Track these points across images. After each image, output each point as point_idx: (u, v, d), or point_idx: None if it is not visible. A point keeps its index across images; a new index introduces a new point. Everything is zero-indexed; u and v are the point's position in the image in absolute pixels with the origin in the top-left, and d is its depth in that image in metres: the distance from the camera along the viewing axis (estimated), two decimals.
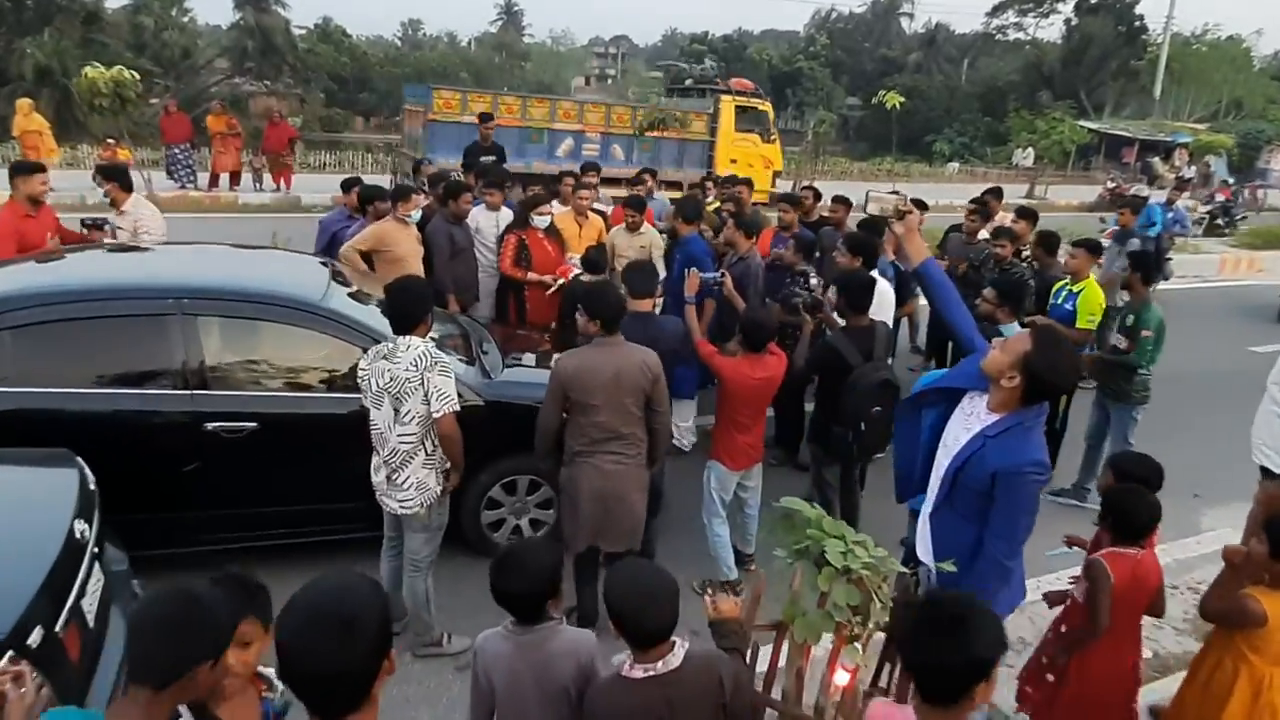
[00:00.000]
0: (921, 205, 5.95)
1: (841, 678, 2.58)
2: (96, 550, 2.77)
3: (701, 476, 4.23)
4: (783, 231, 6.53)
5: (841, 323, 4.49)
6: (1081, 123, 29.86)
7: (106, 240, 5.41)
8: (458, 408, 3.31)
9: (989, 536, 2.51)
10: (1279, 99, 39.07)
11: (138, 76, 14.14)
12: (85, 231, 5.48)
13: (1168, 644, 4.05)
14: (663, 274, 5.50)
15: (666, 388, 3.62)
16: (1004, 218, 7.71)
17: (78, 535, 2.65)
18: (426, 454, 3.35)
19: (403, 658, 3.55)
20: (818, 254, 6.00)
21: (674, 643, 2.04)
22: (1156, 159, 30.01)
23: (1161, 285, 9.78)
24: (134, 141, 16.70)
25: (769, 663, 2.77)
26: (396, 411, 3.27)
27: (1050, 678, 2.98)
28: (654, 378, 3.51)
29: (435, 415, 3.25)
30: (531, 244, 6.01)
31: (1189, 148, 28.11)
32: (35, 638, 2.23)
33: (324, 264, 4.91)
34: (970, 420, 2.59)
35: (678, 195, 10.63)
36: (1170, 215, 10.50)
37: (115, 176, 5.71)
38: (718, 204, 7.77)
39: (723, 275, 4.99)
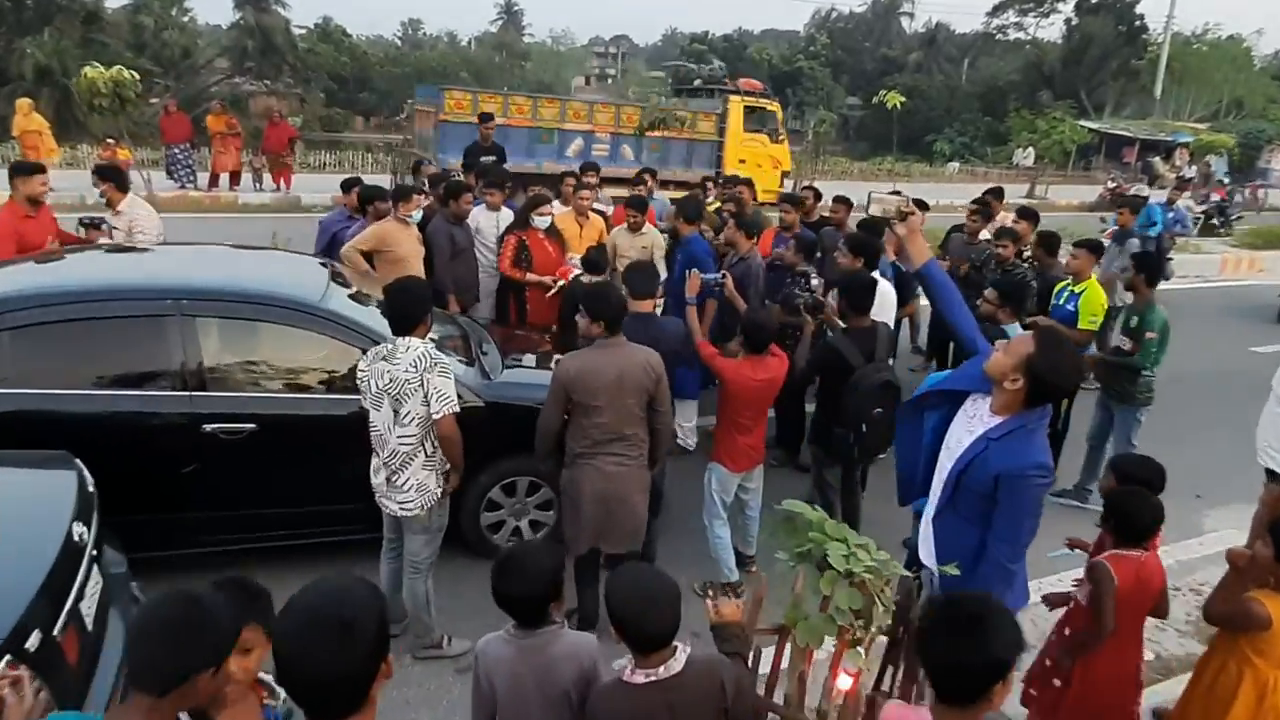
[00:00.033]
0: (923, 206, 5.95)
1: (844, 682, 2.56)
2: (95, 552, 2.76)
3: (702, 477, 4.22)
4: (784, 232, 6.52)
5: (842, 324, 4.49)
6: (1082, 122, 29.87)
7: (104, 241, 5.41)
8: (457, 409, 3.30)
9: (992, 540, 2.50)
10: (1279, 98, 39.08)
11: (137, 76, 14.12)
12: (83, 231, 5.48)
13: (1170, 646, 4.04)
14: (664, 275, 5.49)
15: (669, 388, 3.61)
16: (1005, 218, 7.69)
17: (76, 538, 2.63)
18: (426, 455, 3.34)
19: (403, 660, 3.55)
20: (819, 254, 5.99)
21: (676, 647, 2.03)
22: (1157, 159, 30.03)
23: (1162, 285, 9.75)
24: (134, 141, 16.71)
25: (771, 667, 2.75)
26: (396, 413, 3.26)
27: (1057, 682, 2.97)
28: (657, 378, 3.51)
29: (435, 416, 3.24)
30: (532, 244, 5.99)
31: (1190, 147, 28.14)
32: (33, 641, 2.22)
33: (323, 265, 4.90)
34: (973, 423, 2.58)
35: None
36: (1171, 215, 10.50)
37: (111, 177, 5.72)
38: (718, 204, 7.77)
39: (724, 276, 4.98)
